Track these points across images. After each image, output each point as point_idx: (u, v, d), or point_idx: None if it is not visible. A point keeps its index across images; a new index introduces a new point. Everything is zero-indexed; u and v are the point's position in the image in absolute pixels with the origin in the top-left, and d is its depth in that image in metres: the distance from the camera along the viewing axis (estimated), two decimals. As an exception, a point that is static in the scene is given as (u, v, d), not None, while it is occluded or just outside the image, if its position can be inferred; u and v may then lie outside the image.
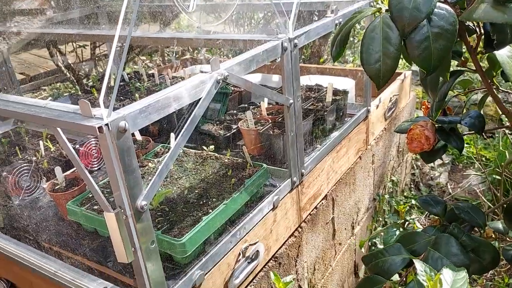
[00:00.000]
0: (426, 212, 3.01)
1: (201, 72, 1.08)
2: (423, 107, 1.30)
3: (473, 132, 1.11)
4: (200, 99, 1.05)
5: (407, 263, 1.05)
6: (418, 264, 0.76)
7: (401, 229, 1.48)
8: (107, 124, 0.81)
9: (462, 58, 1.04)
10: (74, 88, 3.00)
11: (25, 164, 1.54)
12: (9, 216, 1.52)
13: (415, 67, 4.27)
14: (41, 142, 1.80)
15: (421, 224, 2.98)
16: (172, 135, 1.64)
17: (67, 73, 3.07)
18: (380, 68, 0.78)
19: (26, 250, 1.33)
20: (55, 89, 3.44)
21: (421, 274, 0.74)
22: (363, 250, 2.38)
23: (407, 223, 2.95)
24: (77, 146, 1.68)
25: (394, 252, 1.07)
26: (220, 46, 1.28)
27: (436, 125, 1.10)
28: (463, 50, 1.07)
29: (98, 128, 0.80)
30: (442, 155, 1.11)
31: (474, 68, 1.02)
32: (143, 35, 1.55)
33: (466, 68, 1.04)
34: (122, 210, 0.90)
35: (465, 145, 3.52)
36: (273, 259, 1.53)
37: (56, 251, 1.35)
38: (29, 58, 3.81)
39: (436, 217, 1.16)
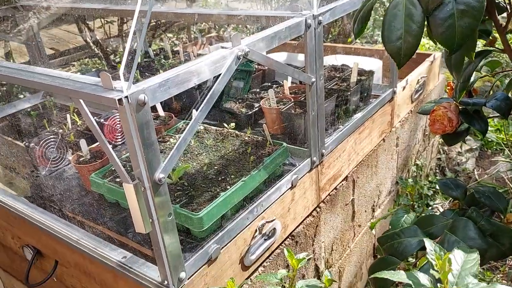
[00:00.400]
0: (451, 198, 2.97)
1: (222, 48, 1.08)
2: (448, 87, 1.28)
3: (498, 115, 1.09)
4: (220, 75, 1.05)
5: (423, 245, 1.04)
6: (428, 243, 0.75)
7: (410, 212, 1.46)
8: (126, 97, 0.83)
9: (490, 38, 1.01)
10: (101, 64, 3.04)
11: (52, 136, 1.58)
12: (36, 185, 1.57)
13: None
14: (68, 116, 1.84)
15: (441, 208, 2.94)
16: (194, 111, 1.65)
17: (95, 49, 3.11)
18: (401, 46, 0.76)
19: (51, 219, 1.37)
20: (84, 64, 3.49)
21: (430, 253, 0.73)
22: (373, 231, 2.36)
23: (429, 208, 2.92)
24: (102, 120, 1.71)
25: (410, 234, 1.06)
26: (242, 22, 1.27)
27: (459, 107, 1.08)
28: (492, 29, 1.04)
29: (118, 100, 0.81)
30: (465, 138, 1.09)
31: (503, 48, 0.99)
32: (168, 11, 1.55)
33: (494, 48, 1.00)
34: (141, 182, 0.92)
35: (495, 130, 3.44)
36: (290, 237, 1.54)
37: (79, 220, 1.39)
38: (59, 33, 3.87)
39: (456, 201, 1.15)
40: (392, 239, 1.07)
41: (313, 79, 1.40)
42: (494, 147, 3.41)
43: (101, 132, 0.91)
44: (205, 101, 1.02)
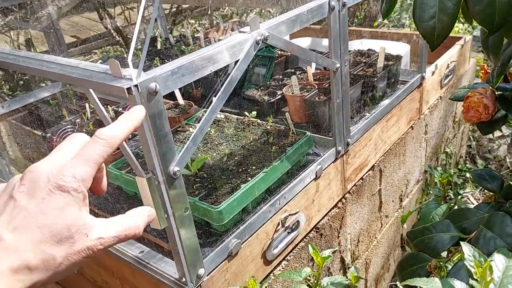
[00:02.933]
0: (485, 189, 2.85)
1: (240, 32, 1.02)
2: (481, 71, 1.19)
3: (539, 101, 1.00)
4: (237, 61, 1.00)
5: (456, 241, 0.97)
6: (466, 248, 0.68)
7: (442, 203, 1.39)
8: (136, 85, 0.78)
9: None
10: (122, 51, 3.02)
11: (69, 126, 1.55)
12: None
13: (476, 32, 3.99)
14: (87, 105, 1.82)
15: (475, 199, 2.83)
16: (214, 99, 1.60)
17: (116, 36, 3.09)
18: (435, 25, 0.69)
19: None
20: (105, 52, 3.47)
21: (468, 259, 0.67)
22: (405, 226, 2.28)
23: (459, 196, 2.82)
24: (120, 109, 1.67)
25: (442, 228, 0.99)
26: (260, 5, 1.20)
27: (496, 93, 1.00)
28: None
29: (126, 89, 0.76)
30: (502, 126, 1.01)
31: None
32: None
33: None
34: (154, 176, 0.87)
35: (529, 116, 3.29)
36: (314, 229, 1.48)
37: (96, 213, 1.36)
38: (81, 21, 3.86)
39: (491, 193, 1.07)
40: (423, 234, 1.00)
41: (338, 65, 1.33)
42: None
43: (111, 121, 0.86)
44: (222, 89, 0.97)
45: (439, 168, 2.48)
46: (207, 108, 1.58)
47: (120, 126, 0.63)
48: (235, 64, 1.00)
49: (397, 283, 2.24)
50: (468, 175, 2.89)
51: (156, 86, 0.81)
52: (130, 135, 1.45)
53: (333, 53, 1.31)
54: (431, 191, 2.46)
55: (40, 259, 0.52)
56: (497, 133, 3.17)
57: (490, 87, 0.99)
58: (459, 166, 2.93)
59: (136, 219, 0.63)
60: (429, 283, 0.65)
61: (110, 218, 0.61)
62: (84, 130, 1.66)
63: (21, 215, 0.53)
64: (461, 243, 0.70)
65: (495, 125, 1.01)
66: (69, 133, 1.53)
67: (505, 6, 0.68)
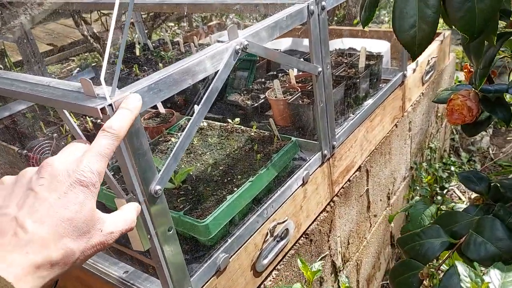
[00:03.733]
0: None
1: (218, 42, 0.99)
2: (464, 70, 1.18)
3: (523, 100, 0.99)
4: (218, 71, 0.97)
5: (447, 246, 0.96)
6: (462, 268, 0.67)
7: (430, 204, 1.38)
8: (110, 105, 0.74)
9: (511, 18, 0.91)
10: (100, 59, 2.96)
11: (46, 141, 1.51)
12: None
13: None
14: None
15: (461, 192, 2.84)
16: (196, 107, 1.57)
17: (93, 43, 3.03)
18: (415, 35, 0.67)
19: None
20: (83, 59, 3.41)
21: (465, 280, 0.65)
22: (395, 225, 2.28)
23: (445, 190, 2.83)
24: (99, 120, 1.63)
25: (432, 234, 0.98)
26: (238, 12, 1.18)
27: (479, 95, 0.98)
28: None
29: (100, 109, 0.73)
30: (486, 128, 1.00)
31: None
32: (161, 2, 1.46)
33: (517, 29, 0.91)
34: (135, 196, 0.84)
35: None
36: (304, 236, 1.46)
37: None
38: (57, 28, 3.78)
39: (478, 196, 1.06)
40: (413, 241, 0.99)
41: (320, 69, 1.31)
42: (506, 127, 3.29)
43: (88, 143, 0.83)
44: (202, 101, 0.94)
45: (424, 164, 2.48)
46: (190, 116, 1.55)
47: (124, 118, 0.67)
48: (215, 75, 0.97)
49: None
50: (453, 168, 2.91)
51: (132, 105, 0.77)
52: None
53: (315, 57, 1.29)
54: (417, 187, 2.46)
55: (62, 254, 0.52)
56: (480, 125, 3.19)
57: (473, 89, 0.98)
58: (444, 160, 2.94)
59: (131, 214, 0.67)
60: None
61: (113, 213, 0.65)
62: (62, 144, 1.62)
63: (44, 208, 0.53)
64: (456, 263, 0.69)
65: (480, 127, 1.00)
66: (47, 149, 1.49)
67: (484, 13, 0.66)
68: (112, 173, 1.38)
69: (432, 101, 1.22)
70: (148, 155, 0.84)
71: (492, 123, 3.31)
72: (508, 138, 3.17)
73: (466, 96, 0.96)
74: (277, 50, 2.14)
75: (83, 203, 0.56)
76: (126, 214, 0.66)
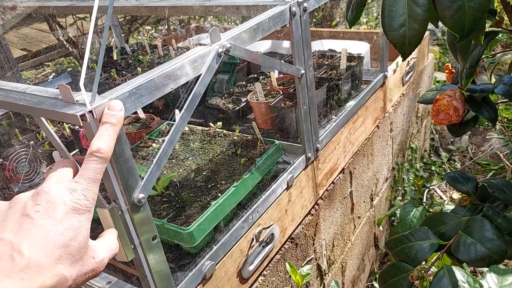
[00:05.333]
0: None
1: (200, 45, 0.97)
2: (446, 71, 1.17)
3: (507, 100, 0.99)
4: (200, 75, 0.94)
5: (436, 248, 0.95)
6: (459, 274, 0.66)
7: (418, 206, 1.38)
8: (91, 111, 0.71)
9: (497, 17, 0.91)
10: (76, 63, 2.90)
11: (22, 149, 1.46)
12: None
13: (430, 26, 4.06)
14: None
15: (441, 191, 2.87)
16: (177, 111, 1.54)
17: (69, 47, 2.97)
18: (405, 34, 0.66)
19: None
20: (58, 64, 3.34)
21: (463, 286, 0.64)
22: (381, 228, 2.28)
23: (427, 190, 2.85)
24: (77, 127, 1.59)
25: (421, 236, 0.97)
26: (220, 14, 1.16)
27: (465, 94, 0.98)
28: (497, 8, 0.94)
29: (80, 116, 0.70)
30: (473, 127, 0.99)
31: (510, 29, 0.90)
32: (139, 5, 1.43)
33: (502, 29, 0.90)
34: (117, 205, 0.81)
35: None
36: (289, 240, 1.45)
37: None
38: (31, 33, 3.70)
39: (466, 196, 1.05)
40: (402, 243, 0.97)
41: (302, 71, 1.29)
42: (486, 123, 3.34)
43: (66, 149, 0.80)
44: (185, 106, 0.91)
45: (405, 164, 2.49)
46: (173, 119, 1.52)
47: (110, 136, 0.67)
48: (197, 79, 0.94)
49: (374, 283, 2.23)
50: (433, 168, 2.93)
51: (113, 111, 0.74)
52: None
53: (297, 59, 1.27)
54: (399, 188, 2.47)
55: (56, 281, 0.52)
56: (459, 125, 3.23)
57: (459, 89, 0.97)
58: (424, 160, 2.97)
59: (113, 239, 0.69)
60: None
61: (100, 241, 0.66)
62: (39, 151, 1.57)
63: (40, 234, 0.53)
64: (454, 268, 0.67)
65: (466, 127, 1.00)
66: (23, 157, 1.44)
67: (474, 11, 0.65)
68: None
69: (417, 101, 1.21)
70: (131, 162, 0.81)
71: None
72: (487, 137, 3.21)
73: (452, 96, 0.95)
74: (257, 52, 2.12)
75: (78, 231, 0.57)
76: (111, 241, 0.68)
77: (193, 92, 0.92)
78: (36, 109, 0.75)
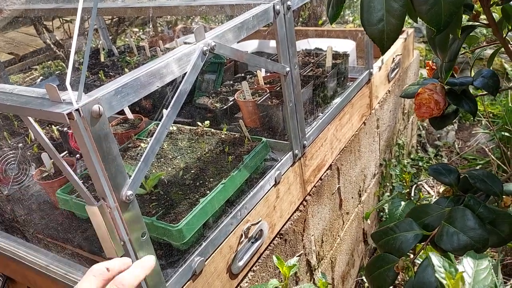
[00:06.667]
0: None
1: (185, 43, 0.98)
2: (427, 68, 1.20)
3: (485, 93, 1.02)
4: (185, 74, 0.96)
5: (420, 239, 0.97)
6: (435, 259, 0.68)
7: (406, 199, 1.40)
8: (77, 110, 0.72)
9: (474, 12, 0.93)
10: (64, 66, 2.89)
11: (11, 152, 1.46)
12: (-1, 207, 1.46)
13: (417, 24, 4.10)
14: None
15: (429, 186, 2.90)
16: (165, 111, 1.55)
17: (56, 50, 2.96)
18: (383, 28, 0.68)
19: (17, 244, 1.26)
20: (46, 67, 3.33)
21: (439, 271, 0.65)
22: (369, 221, 2.31)
23: (415, 186, 2.88)
24: (65, 129, 1.59)
25: (405, 228, 0.99)
26: (204, 13, 1.17)
27: (445, 88, 1.01)
28: (474, 3, 0.97)
29: (67, 114, 0.71)
30: (454, 120, 1.02)
31: (487, 23, 0.92)
32: (124, 5, 1.43)
33: (478, 23, 0.93)
34: (106, 203, 0.82)
35: (472, 102, 3.40)
36: (278, 236, 1.46)
37: (50, 242, 1.28)
38: (18, 36, 3.68)
39: (448, 187, 1.08)
40: (387, 235, 1.00)
41: (288, 69, 1.31)
42: (472, 119, 3.38)
43: (55, 149, 0.81)
44: (171, 104, 0.93)
45: (393, 160, 2.52)
46: (159, 121, 1.53)
47: (136, 277, 0.74)
48: (183, 77, 0.96)
49: (363, 278, 2.26)
50: (420, 163, 2.96)
51: (99, 109, 0.76)
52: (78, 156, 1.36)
53: (282, 57, 1.29)
54: (387, 183, 2.50)
55: None
56: (445, 121, 3.26)
57: (439, 83, 1.00)
58: (412, 156, 3.00)
59: (139, 268, 0.76)
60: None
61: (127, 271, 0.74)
62: (28, 153, 1.57)
63: None
64: (430, 254, 0.69)
65: (447, 119, 1.02)
66: (12, 160, 1.44)
67: (450, 5, 0.68)
68: (82, 181, 1.34)
69: (400, 96, 1.24)
70: (118, 160, 0.82)
71: (457, 118, 3.40)
72: (472, 132, 3.25)
73: (432, 89, 0.97)
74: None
75: None
76: (137, 270, 0.76)
77: (179, 90, 0.93)
78: (23, 108, 0.76)
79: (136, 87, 0.84)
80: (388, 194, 2.52)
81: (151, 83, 0.88)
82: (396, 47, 2.24)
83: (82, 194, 0.83)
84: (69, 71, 0.71)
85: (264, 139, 1.43)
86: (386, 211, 2.43)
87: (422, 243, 0.98)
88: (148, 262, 0.78)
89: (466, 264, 0.66)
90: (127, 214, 0.85)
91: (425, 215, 1.02)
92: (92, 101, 0.75)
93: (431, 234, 0.96)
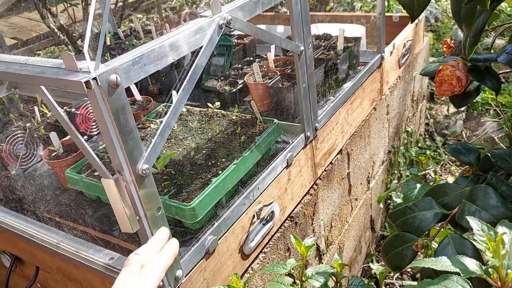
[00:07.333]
0: (442, 162, 2.92)
1: (201, 16, 0.95)
2: (444, 46, 1.17)
3: (510, 70, 0.99)
4: (201, 47, 0.93)
5: (440, 217, 0.95)
6: (473, 222, 0.66)
7: (422, 182, 1.38)
8: (95, 78, 0.70)
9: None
10: (68, 50, 2.86)
11: (19, 132, 1.44)
12: (6, 187, 1.44)
13: (424, 13, 4.05)
14: (36, 108, 1.70)
15: (435, 174, 2.88)
16: (174, 92, 1.53)
17: (61, 35, 2.93)
18: (414, -5, 0.65)
19: (26, 223, 1.24)
20: (50, 52, 3.29)
21: (478, 233, 0.64)
22: (381, 205, 2.30)
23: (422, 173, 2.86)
24: (73, 109, 1.57)
25: (424, 206, 0.97)
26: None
27: (468, 65, 0.98)
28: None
29: (85, 83, 0.69)
30: (475, 98, 0.99)
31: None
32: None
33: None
34: (122, 176, 0.80)
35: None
36: (289, 219, 1.45)
37: (58, 222, 1.27)
38: (21, 21, 3.65)
39: (468, 167, 1.06)
40: (405, 214, 0.98)
41: (302, 48, 1.28)
42: (480, 108, 3.36)
43: (70, 122, 0.79)
44: (187, 78, 0.90)
45: (401, 148, 2.50)
46: (170, 101, 1.51)
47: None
48: (194, 53, 0.93)
49: (370, 264, 2.25)
50: (428, 152, 2.94)
51: (117, 78, 0.73)
52: (91, 133, 1.35)
53: (296, 36, 1.27)
54: (395, 171, 2.48)
55: None
56: (452, 110, 3.24)
57: (462, 59, 0.97)
58: (419, 144, 2.98)
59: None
60: (437, 263, 0.62)
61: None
62: (35, 134, 1.55)
63: None
64: (468, 218, 0.67)
65: (469, 97, 1.00)
66: (20, 139, 1.42)
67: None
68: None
69: (420, 74, 1.21)
70: (135, 132, 0.80)
71: (465, 107, 3.36)
72: (480, 121, 3.23)
73: (455, 66, 0.95)
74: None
75: None
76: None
77: (195, 63, 0.91)
78: (38, 77, 0.74)
79: (152, 58, 0.82)
80: (396, 181, 2.50)
81: (167, 55, 0.85)
82: (407, 32, 2.21)
83: (97, 168, 0.81)
84: (87, 37, 0.69)
85: (276, 120, 1.41)
86: (394, 198, 2.41)
87: (442, 222, 0.97)
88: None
89: (501, 231, 0.64)
90: (143, 188, 0.83)
91: (443, 194, 1.00)
92: (109, 70, 0.72)
93: (451, 213, 0.94)
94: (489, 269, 0.60)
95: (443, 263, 0.61)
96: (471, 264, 0.60)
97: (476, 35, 0.87)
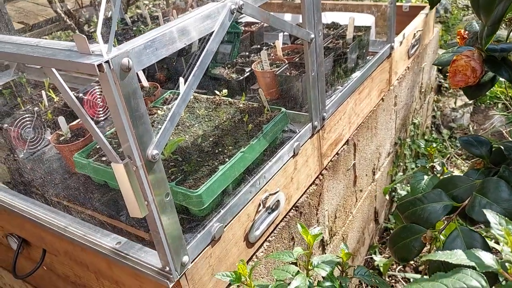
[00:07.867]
0: (448, 155, 2.90)
1: (212, 1, 0.94)
2: (458, 36, 1.16)
3: (524, 62, 0.98)
4: (212, 32, 0.92)
5: (450, 210, 0.95)
6: (490, 216, 0.65)
7: (429, 174, 1.37)
8: (107, 61, 0.69)
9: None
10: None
11: (27, 116, 1.44)
12: (14, 170, 1.44)
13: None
14: (43, 92, 1.69)
15: (443, 166, 2.87)
16: (181, 79, 1.52)
17: (67, 20, 2.92)
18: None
19: (34, 205, 1.25)
20: (56, 37, 3.28)
21: (495, 227, 0.63)
22: (386, 197, 2.29)
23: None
24: (81, 95, 1.56)
25: (434, 198, 0.96)
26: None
27: (483, 55, 0.97)
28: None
29: (97, 66, 0.68)
30: (489, 89, 0.98)
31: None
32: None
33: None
34: (132, 161, 0.79)
35: (488, 84, 3.35)
36: (294, 208, 1.44)
37: (65, 205, 1.27)
38: (28, 6, 3.64)
39: (478, 160, 1.05)
40: (414, 206, 0.97)
41: (312, 35, 1.27)
42: (488, 101, 3.33)
43: (80, 105, 0.78)
44: (197, 63, 0.89)
45: (408, 140, 2.49)
46: (178, 90, 1.50)
47: None
48: (203, 39, 0.92)
49: (373, 256, 2.25)
50: (434, 145, 2.92)
51: (129, 62, 0.73)
52: (98, 118, 1.36)
53: (307, 23, 1.25)
54: (401, 163, 2.47)
55: None
56: (460, 102, 3.22)
57: (477, 49, 0.96)
58: (426, 137, 2.96)
59: None
60: (452, 256, 0.61)
61: None
62: (43, 118, 1.55)
63: None
64: (485, 211, 0.67)
65: (483, 88, 0.99)
66: (28, 123, 1.42)
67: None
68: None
69: (433, 64, 1.20)
70: (145, 117, 0.79)
71: (473, 101, 3.33)
72: (488, 115, 3.21)
73: (470, 56, 0.94)
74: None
75: None
76: None
77: (206, 49, 0.90)
78: (50, 60, 0.73)
79: (164, 43, 0.81)
80: (401, 174, 2.49)
81: (179, 40, 0.85)
82: (418, 22, 2.19)
83: (106, 153, 0.80)
84: (100, 20, 0.68)
85: (283, 109, 1.40)
86: (399, 191, 2.41)
87: (450, 215, 0.96)
88: None
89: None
90: (152, 173, 0.83)
91: (453, 187, 0.99)
92: (122, 54, 0.72)
93: (461, 205, 0.93)
94: (506, 264, 0.59)
95: (458, 256, 0.61)
96: (487, 258, 0.60)
97: (494, 24, 0.85)
